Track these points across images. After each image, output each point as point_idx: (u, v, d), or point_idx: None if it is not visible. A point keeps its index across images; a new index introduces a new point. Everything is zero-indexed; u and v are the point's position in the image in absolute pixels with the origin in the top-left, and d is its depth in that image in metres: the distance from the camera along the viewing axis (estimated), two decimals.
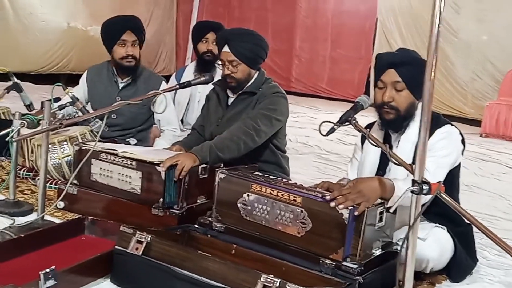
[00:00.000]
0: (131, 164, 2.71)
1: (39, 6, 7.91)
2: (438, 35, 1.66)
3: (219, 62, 3.01)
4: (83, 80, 3.72)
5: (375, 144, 2.16)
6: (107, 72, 3.64)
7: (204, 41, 4.12)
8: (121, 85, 3.59)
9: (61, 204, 2.83)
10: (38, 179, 2.84)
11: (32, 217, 2.71)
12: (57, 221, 2.73)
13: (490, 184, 4.53)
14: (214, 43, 4.01)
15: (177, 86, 2.98)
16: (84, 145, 2.91)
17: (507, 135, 6.78)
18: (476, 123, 7.31)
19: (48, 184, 3.02)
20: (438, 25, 1.67)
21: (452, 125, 2.44)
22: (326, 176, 4.24)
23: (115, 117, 3.52)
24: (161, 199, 2.61)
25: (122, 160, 2.74)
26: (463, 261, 2.44)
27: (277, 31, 9.63)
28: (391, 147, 2.33)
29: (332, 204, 2.10)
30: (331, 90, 9.50)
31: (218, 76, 3.27)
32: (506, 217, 3.65)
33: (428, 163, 2.21)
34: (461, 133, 2.45)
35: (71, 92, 2.86)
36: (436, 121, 2.33)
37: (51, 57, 8.14)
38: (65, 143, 3.25)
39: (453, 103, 7.79)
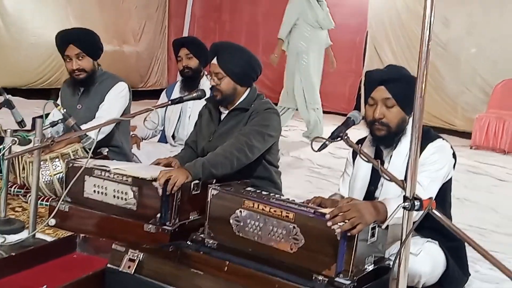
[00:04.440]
0: (126, 180, 2.71)
1: (30, 21, 7.89)
2: (428, 53, 1.67)
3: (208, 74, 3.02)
4: (60, 93, 3.85)
5: (366, 160, 2.17)
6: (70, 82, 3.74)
7: (179, 59, 4.07)
8: (80, 94, 3.66)
9: (53, 222, 2.81)
10: (29, 196, 2.84)
11: (23, 235, 2.70)
12: (49, 238, 2.71)
13: (481, 196, 4.55)
14: (189, 57, 4.01)
15: (169, 102, 2.98)
16: (76, 161, 2.91)
17: (497, 147, 6.80)
18: (466, 135, 7.34)
19: (39, 201, 3.00)
20: (428, 42, 1.68)
21: (443, 139, 2.46)
22: (319, 190, 4.24)
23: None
24: (159, 215, 2.61)
25: (117, 177, 2.73)
26: (455, 275, 2.45)
27: (268, 44, 9.62)
28: (382, 163, 2.34)
29: (329, 223, 2.09)
30: (322, 103, 9.51)
31: (208, 93, 3.26)
32: (498, 230, 3.66)
33: (421, 178, 2.23)
34: (452, 147, 2.47)
35: (63, 109, 2.85)
36: (427, 136, 2.35)
37: (43, 72, 8.10)
38: (56, 159, 3.23)
39: (442, 116, 7.83)
